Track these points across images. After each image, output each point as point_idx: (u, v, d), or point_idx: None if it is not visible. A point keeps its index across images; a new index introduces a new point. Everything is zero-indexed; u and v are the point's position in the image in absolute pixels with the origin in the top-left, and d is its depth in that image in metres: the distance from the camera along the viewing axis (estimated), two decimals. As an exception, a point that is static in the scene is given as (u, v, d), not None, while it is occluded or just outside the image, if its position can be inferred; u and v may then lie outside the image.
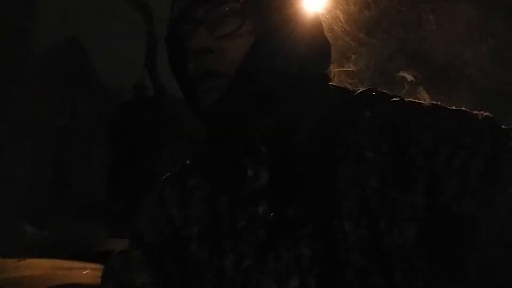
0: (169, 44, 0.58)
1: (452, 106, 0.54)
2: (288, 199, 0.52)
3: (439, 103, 0.54)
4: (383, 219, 0.48)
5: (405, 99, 0.56)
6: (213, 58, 0.53)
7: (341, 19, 3.06)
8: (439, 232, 0.47)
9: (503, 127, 0.51)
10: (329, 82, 0.59)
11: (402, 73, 3.20)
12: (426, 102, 0.55)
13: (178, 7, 0.56)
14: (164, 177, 0.67)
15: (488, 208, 0.46)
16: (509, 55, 2.92)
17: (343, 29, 3.08)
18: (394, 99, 0.56)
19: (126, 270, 0.60)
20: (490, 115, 0.52)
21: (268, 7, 0.54)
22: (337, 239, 0.49)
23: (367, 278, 0.47)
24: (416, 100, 0.56)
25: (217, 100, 0.53)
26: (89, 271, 3.95)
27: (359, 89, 0.58)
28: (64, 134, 14.99)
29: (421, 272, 0.47)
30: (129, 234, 0.64)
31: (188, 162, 0.66)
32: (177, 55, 0.58)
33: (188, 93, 0.58)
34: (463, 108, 0.53)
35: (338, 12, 3.06)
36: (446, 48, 3.08)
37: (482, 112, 0.52)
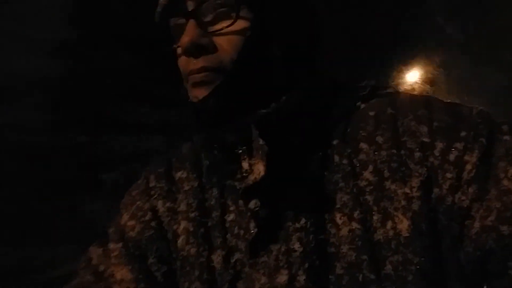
0: (158, 34, 0.55)
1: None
2: (282, 192, 0.51)
3: (434, 96, 0.54)
4: (377, 212, 0.48)
5: (400, 92, 0.55)
6: (206, 55, 0.50)
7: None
8: (432, 225, 0.47)
9: (498, 121, 0.50)
10: (324, 74, 0.58)
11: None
12: (421, 95, 0.54)
13: None
14: (148, 168, 0.64)
15: (482, 201, 0.45)
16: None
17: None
18: (389, 91, 0.56)
19: (105, 264, 0.57)
20: (484, 109, 0.51)
21: (262, 1, 0.51)
22: (328, 232, 0.49)
23: (357, 271, 0.47)
24: (411, 93, 0.55)
25: (210, 95, 0.50)
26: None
27: (354, 82, 0.58)
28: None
29: (413, 264, 0.46)
30: (111, 226, 0.61)
31: (174, 153, 0.63)
32: (166, 46, 0.55)
33: (178, 84, 0.55)
34: (457, 102, 0.53)
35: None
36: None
37: (477, 106, 0.51)
